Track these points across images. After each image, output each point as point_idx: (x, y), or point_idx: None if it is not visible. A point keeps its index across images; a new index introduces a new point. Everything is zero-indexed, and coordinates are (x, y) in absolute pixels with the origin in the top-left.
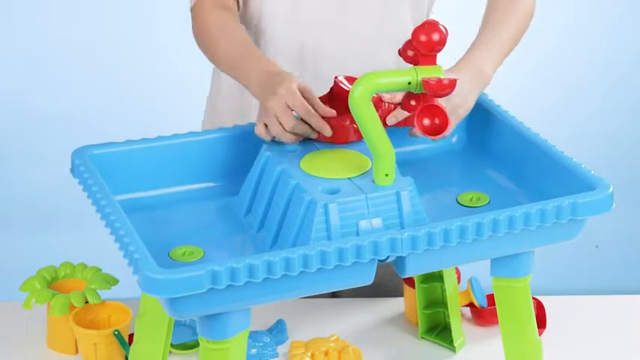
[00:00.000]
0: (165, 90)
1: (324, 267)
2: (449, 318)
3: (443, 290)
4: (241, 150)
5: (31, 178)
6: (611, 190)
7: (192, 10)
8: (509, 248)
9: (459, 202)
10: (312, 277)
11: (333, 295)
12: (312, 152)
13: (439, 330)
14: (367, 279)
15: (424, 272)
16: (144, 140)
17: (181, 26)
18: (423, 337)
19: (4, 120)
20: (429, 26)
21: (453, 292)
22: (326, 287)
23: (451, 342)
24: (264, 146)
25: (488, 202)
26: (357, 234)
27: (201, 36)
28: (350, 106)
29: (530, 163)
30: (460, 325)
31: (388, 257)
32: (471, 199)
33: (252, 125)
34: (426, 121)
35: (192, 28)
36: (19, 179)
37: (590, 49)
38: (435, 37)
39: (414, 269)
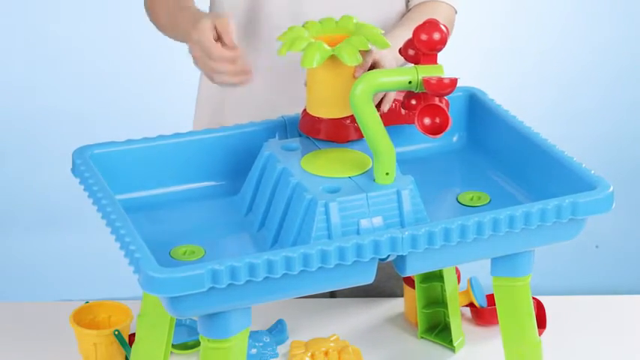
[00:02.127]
0: (165, 89)
1: (325, 266)
2: (448, 318)
3: (443, 290)
4: (242, 149)
5: (31, 178)
6: (611, 189)
7: None
8: (510, 247)
9: (459, 202)
10: (313, 276)
11: (333, 295)
12: (312, 151)
13: (439, 330)
14: (368, 278)
15: (424, 271)
16: (144, 139)
17: None
18: (422, 337)
19: (4, 119)
20: (430, 25)
21: (453, 291)
22: (326, 286)
23: (450, 342)
24: (265, 145)
25: (489, 202)
26: (358, 233)
27: (148, 7)
28: (350, 105)
29: (530, 163)
30: (460, 325)
31: (389, 256)
32: (472, 199)
33: (253, 125)
34: (427, 121)
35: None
36: (19, 179)
37: (589, 48)
38: (436, 36)
39: (414, 268)
